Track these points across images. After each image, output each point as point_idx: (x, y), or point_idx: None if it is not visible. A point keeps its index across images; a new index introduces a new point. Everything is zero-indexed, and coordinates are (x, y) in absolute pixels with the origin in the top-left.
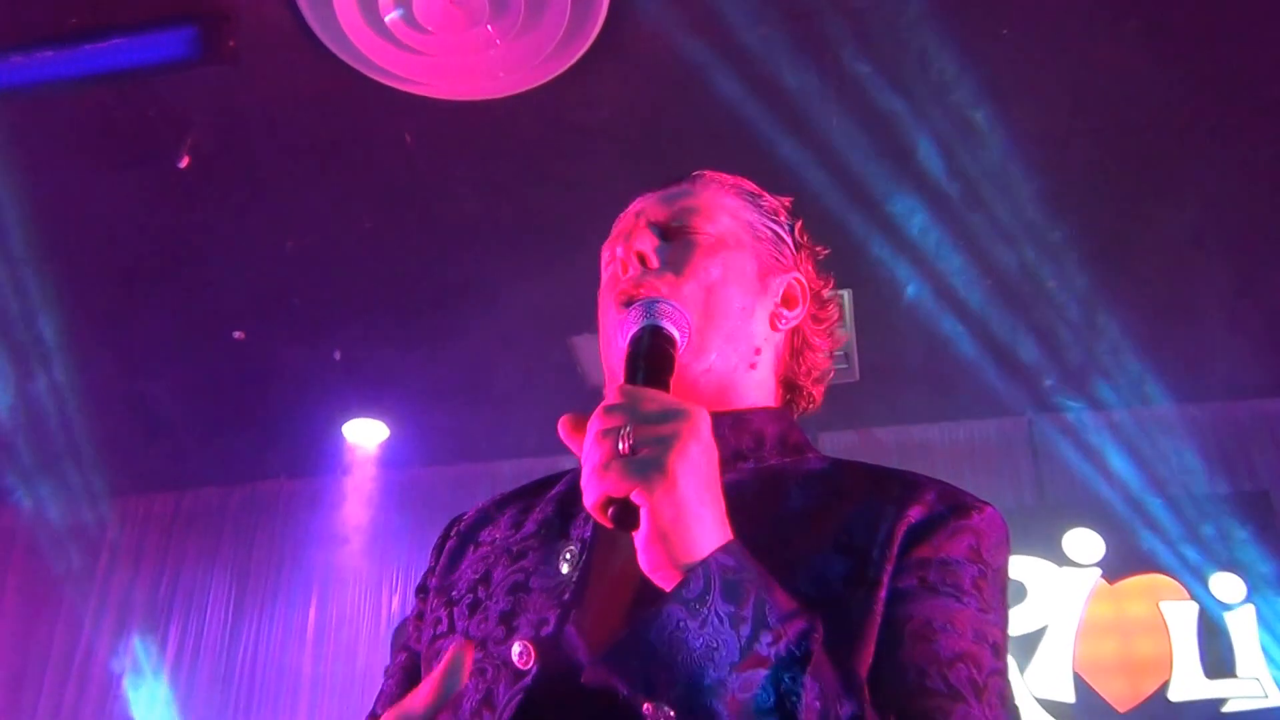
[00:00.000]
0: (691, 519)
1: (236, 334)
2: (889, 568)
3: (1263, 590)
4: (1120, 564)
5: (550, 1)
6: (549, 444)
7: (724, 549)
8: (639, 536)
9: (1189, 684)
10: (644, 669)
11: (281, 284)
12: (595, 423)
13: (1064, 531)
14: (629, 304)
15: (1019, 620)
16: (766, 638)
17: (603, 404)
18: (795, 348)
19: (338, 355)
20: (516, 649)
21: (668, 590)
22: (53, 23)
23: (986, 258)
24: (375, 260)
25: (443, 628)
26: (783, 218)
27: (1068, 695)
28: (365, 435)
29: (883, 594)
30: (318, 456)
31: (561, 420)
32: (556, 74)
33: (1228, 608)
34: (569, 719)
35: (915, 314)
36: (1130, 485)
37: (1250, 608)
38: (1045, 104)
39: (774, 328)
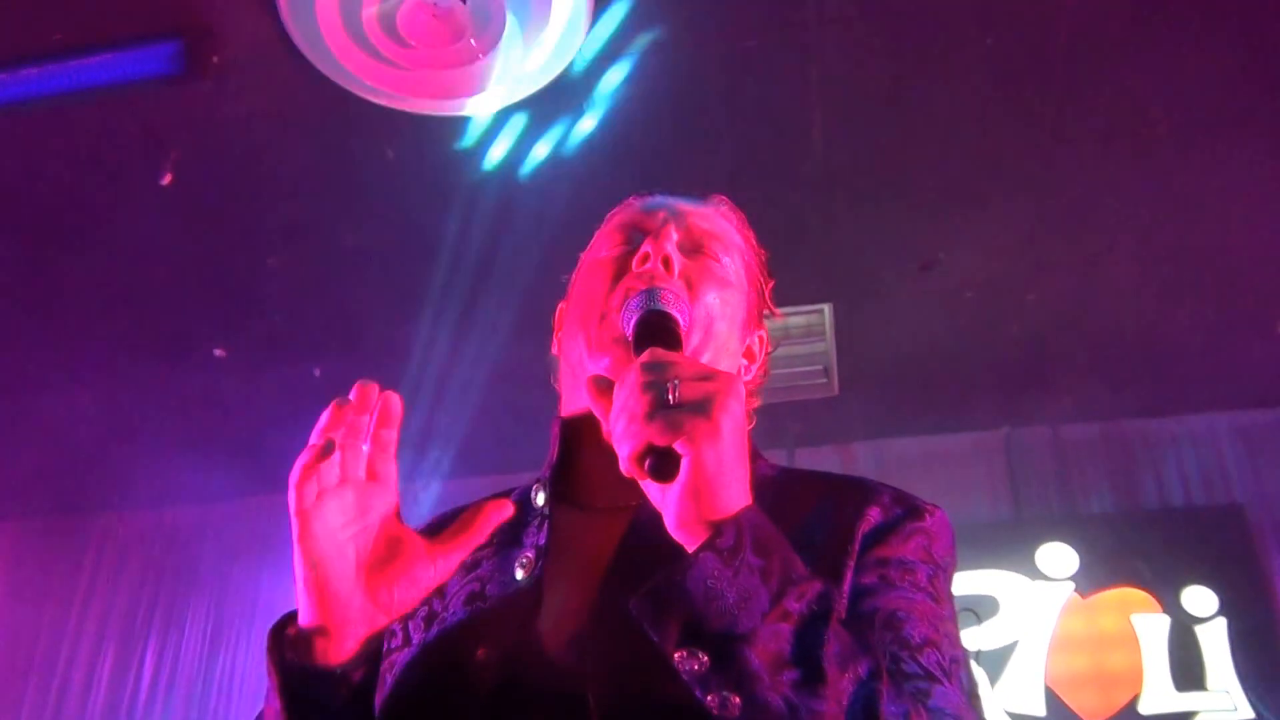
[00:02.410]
0: (728, 474)
1: (217, 351)
2: (850, 564)
3: (1234, 603)
4: (1093, 578)
5: (534, 14)
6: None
7: (750, 508)
8: (672, 489)
9: (1159, 697)
10: (680, 615)
11: (263, 300)
12: (636, 375)
13: (1037, 545)
14: (637, 294)
15: (991, 634)
16: (794, 592)
17: (641, 361)
18: None
19: (318, 372)
20: (479, 658)
21: (691, 548)
22: (34, 38)
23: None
24: (358, 276)
25: (397, 641)
26: (765, 270)
27: (1039, 709)
28: None
29: (845, 589)
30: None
31: (588, 379)
32: (541, 87)
33: (1199, 621)
34: (529, 715)
35: (893, 329)
36: (1104, 499)
37: (1222, 621)
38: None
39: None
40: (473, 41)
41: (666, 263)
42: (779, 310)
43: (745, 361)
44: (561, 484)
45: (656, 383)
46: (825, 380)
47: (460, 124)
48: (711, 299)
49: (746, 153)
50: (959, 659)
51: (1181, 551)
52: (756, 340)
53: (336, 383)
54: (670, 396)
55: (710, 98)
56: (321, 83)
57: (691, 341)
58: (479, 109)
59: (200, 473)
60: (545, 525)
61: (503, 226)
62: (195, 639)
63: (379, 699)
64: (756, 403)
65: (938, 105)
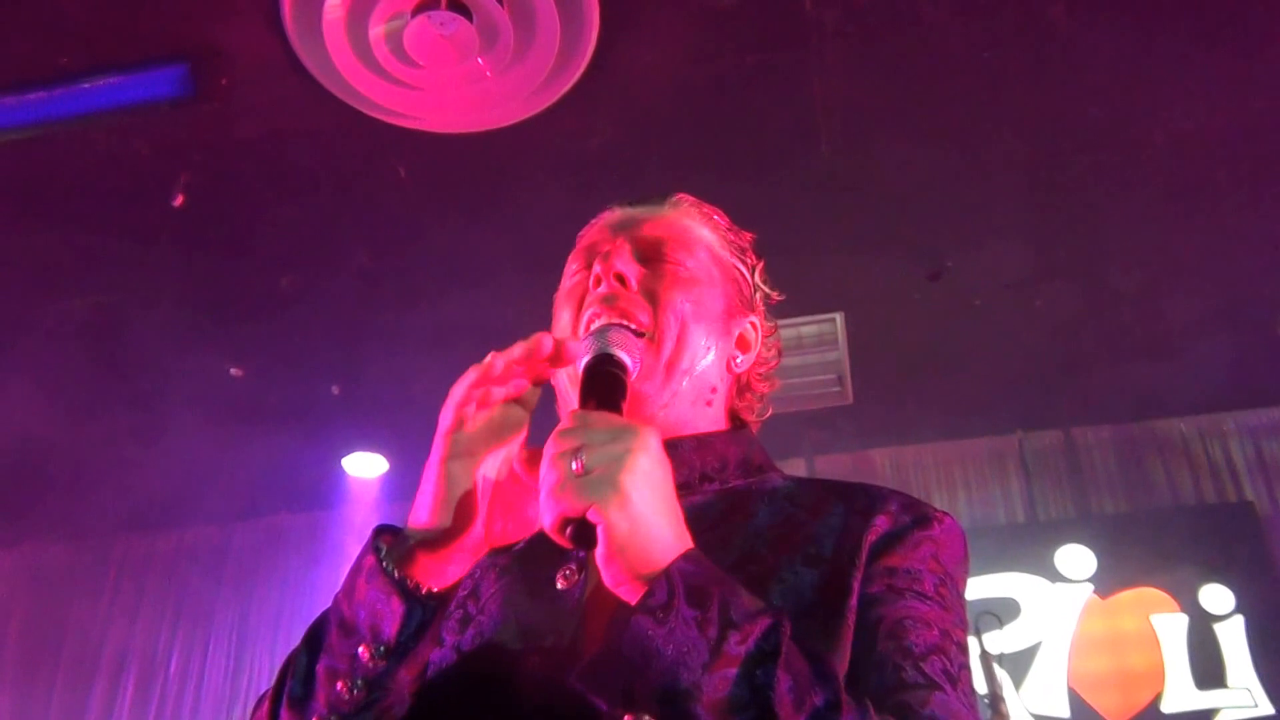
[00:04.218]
0: (648, 531)
1: (234, 370)
2: (858, 575)
3: (1251, 600)
4: (1112, 579)
5: (540, 34)
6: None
7: (684, 556)
8: (599, 554)
9: (1181, 695)
10: (620, 682)
11: (277, 320)
12: (550, 448)
13: (1056, 548)
14: (599, 321)
15: (1013, 636)
16: (734, 637)
17: (556, 429)
18: (741, 387)
19: (336, 390)
20: (529, 668)
21: (633, 603)
22: (44, 62)
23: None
24: (370, 294)
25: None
26: (749, 257)
27: (1063, 710)
28: (365, 468)
29: (854, 601)
30: (318, 491)
31: (517, 456)
32: (547, 105)
33: (1217, 619)
34: None
35: (905, 337)
36: (1118, 499)
37: (1239, 618)
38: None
39: (729, 370)
40: (480, 60)
41: (622, 279)
42: (791, 317)
43: (738, 352)
44: None
45: (566, 454)
46: (839, 388)
47: (471, 140)
48: (677, 303)
49: (755, 165)
50: (966, 665)
51: (1197, 549)
52: (749, 327)
53: (351, 400)
54: (575, 466)
55: (718, 111)
56: (331, 103)
57: (665, 350)
58: (486, 127)
59: (223, 492)
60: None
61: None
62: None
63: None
64: (765, 389)
65: (940, 118)
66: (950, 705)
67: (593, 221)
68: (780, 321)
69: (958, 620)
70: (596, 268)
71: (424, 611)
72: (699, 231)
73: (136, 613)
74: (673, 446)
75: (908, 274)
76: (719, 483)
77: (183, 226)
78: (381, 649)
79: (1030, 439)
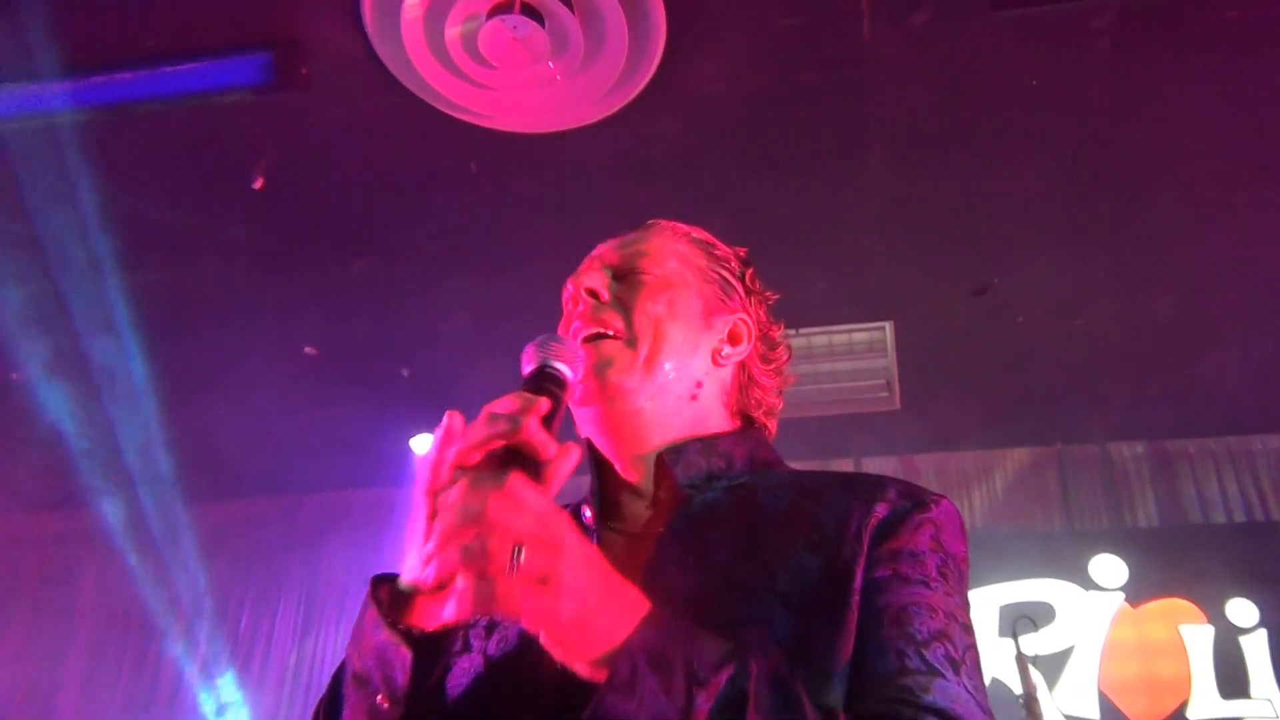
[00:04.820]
0: (589, 622)
1: (308, 349)
2: (861, 560)
3: (1275, 616)
4: (1143, 588)
5: (609, 42)
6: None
7: (641, 625)
8: (546, 642)
9: (1206, 703)
10: None
11: (351, 303)
12: (449, 528)
13: (1090, 556)
14: (577, 334)
15: (1048, 640)
16: (703, 694)
17: (455, 502)
18: (742, 383)
19: (406, 373)
20: (546, 666)
21: (600, 681)
22: (133, 44)
23: (1017, 296)
24: (439, 283)
25: (457, 645)
26: (733, 264)
27: (1093, 712)
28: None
29: (857, 585)
30: (385, 468)
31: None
32: (614, 111)
33: (1242, 632)
34: None
35: (951, 348)
36: (1153, 514)
37: (1263, 632)
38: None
39: (716, 363)
40: (551, 64)
41: (595, 294)
42: (844, 324)
43: (730, 346)
44: (603, 504)
45: (474, 550)
46: (887, 394)
47: (539, 140)
48: (651, 306)
49: (811, 176)
50: (972, 645)
51: (1224, 565)
52: (739, 323)
53: (423, 384)
54: (491, 565)
55: (776, 123)
56: (405, 97)
57: (642, 348)
58: (555, 128)
59: (293, 466)
60: (595, 541)
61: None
62: (288, 623)
63: (441, 699)
64: (777, 385)
65: (988, 139)
66: (951, 690)
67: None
68: (833, 328)
69: (961, 602)
70: (570, 288)
71: (431, 652)
72: (671, 245)
73: (208, 578)
74: (678, 450)
75: (955, 288)
76: (727, 480)
77: (262, 209)
78: (397, 694)
79: (1069, 451)
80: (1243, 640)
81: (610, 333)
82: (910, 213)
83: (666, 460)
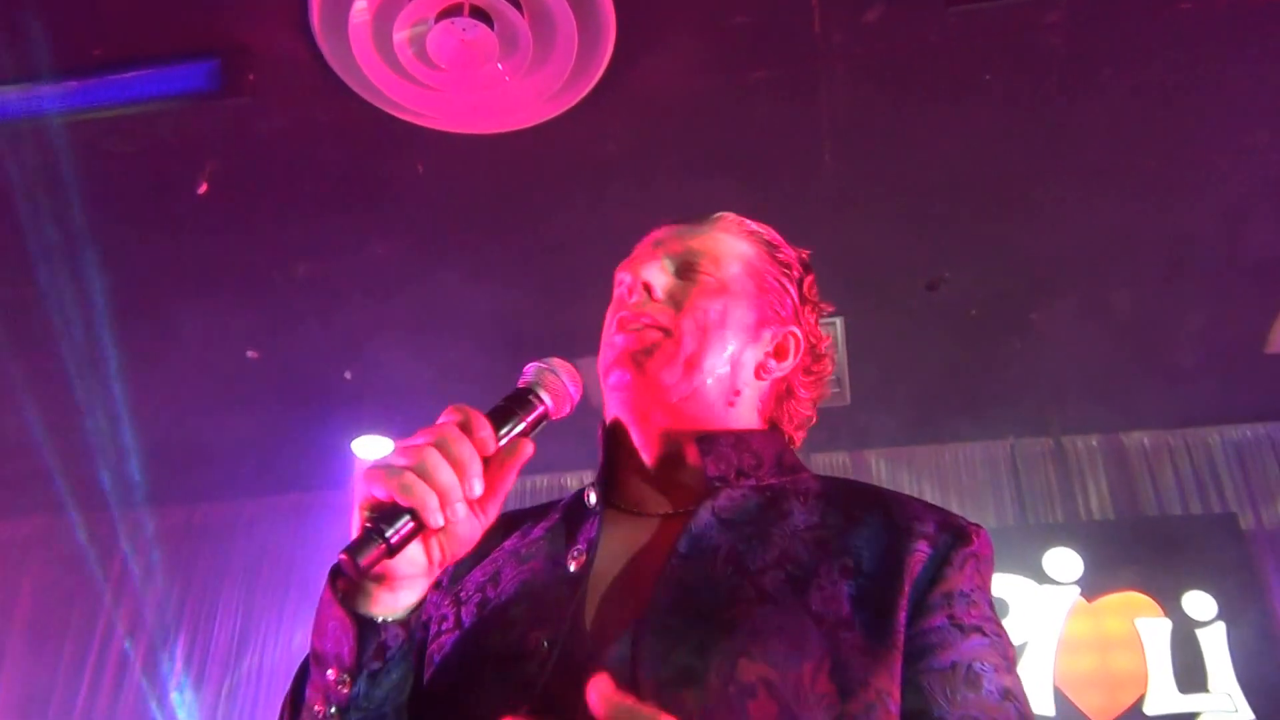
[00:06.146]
0: None
1: (250, 353)
2: (903, 599)
3: (1232, 609)
4: (1098, 582)
5: (558, 42)
6: (556, 461)
7: None
8: None
9: (1163, 698)
10: None
11: (294, 306)
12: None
13: (1044, 551)
14: (624, 328)
15: None
16: None
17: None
18: (780, 394)
19: (348, 375)
20: (536, 640)
21: None
22: (78, 52)
23: (969, 289)
24: (384, 285)
25: (449, 624)
26: (795, 271)
27: (1048, 709)
28: (374, 451)
29: (901, 623)
30: (328, 471)
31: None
32: (563, 111)
33: (1200, 625)
34: (580, 703)
35: (903, 343)
36: (1108, 506)
37: (1221, 625)
38: None
39: (758, 376)
40: (500, 65)
41: (649, 289)
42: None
43: (775, 360)
44: (610, 488)
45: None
46: (838, 390)
47: (488, 142)
48: (700, 311)
49: (762, 173)
50: (1025, 695)
51: (1180, 558)
52: (788, 337)
53: (363, 387)
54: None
55: (727, 121)
56: (354, 101)
57: (685, 348)
58: (504, 129)
59: (234, 471)
60: (596, 522)
61: (524, 236)
62: (224, 635)
63: (427, 677)
64: (814, 397)
65: (940, 135)
66: None
67: (644, 238)
68: None
69: (1009, 642)
70: (628, 277)
71: (382, 634)
72: (736, 246)
73: (146, 585)
74: (710, 440)
75: (906, 282)
76: (755, 478)
77: (206, 215)
78: (345, 674)
79: (1022, 445)
80: (1200, 634)
81: (650, 327)
82: (861, 208)
83: (699, 449)
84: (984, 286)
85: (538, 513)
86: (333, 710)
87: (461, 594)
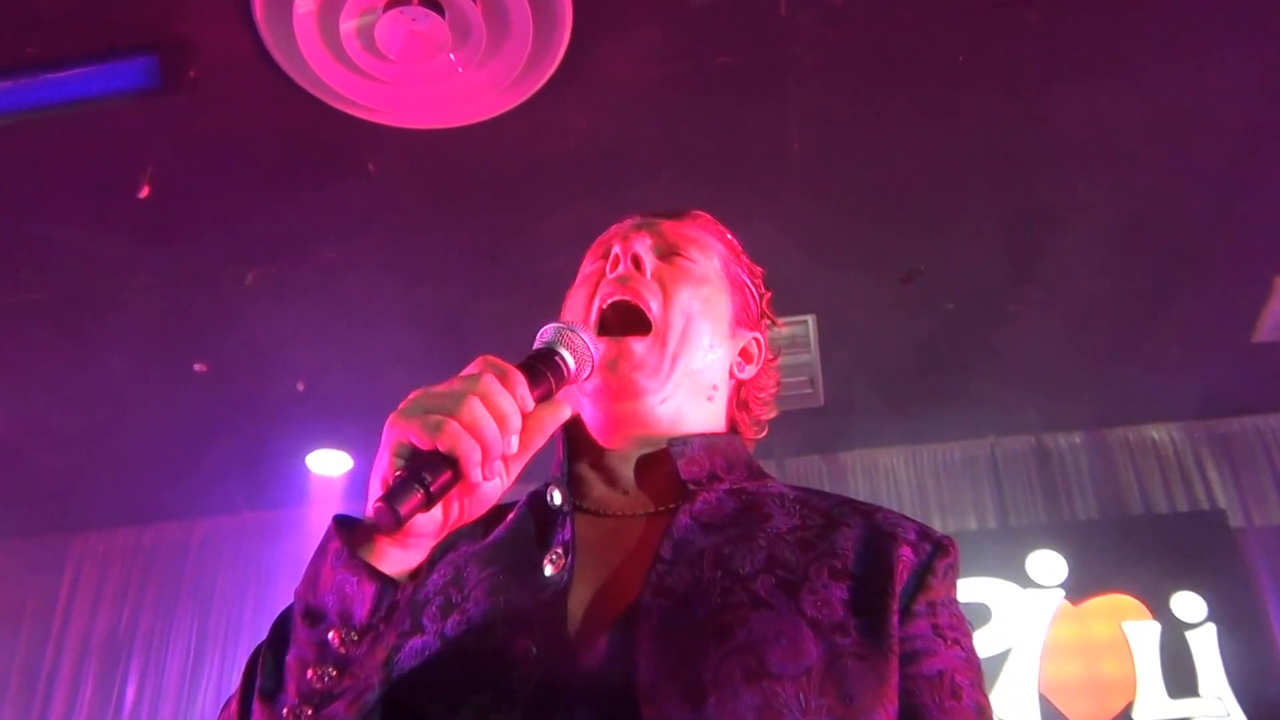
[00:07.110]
0: None
1: (197, 366)
2: (894, 602)
3: (1223, 609)
4: (1083, 584)
5: (513, 30)
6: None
7: None
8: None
9: (1153, 704)
10: None
11: (242, 315)
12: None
13: (1027, 553)
14: (608, 299)
15: (984, 642)
16: None
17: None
18: (740, 401)
19: (300, 386)
20: (523, 646)
21: None
22: (10, 52)
23: (945, 283)
24: (337, 290)
25: (405, 625)
26: (758, 281)
27: (1034, 717)
28: (329, 466)
29: (895, 626)
30: (281, 487)
31: None
32: (519, 103)
33: (1189, 627)
34: (572, 711)
35: (877, 340)
36: (1092, 506)
37: (1211, 626)
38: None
39: (730, 374)
40: (451, 56)
41: (636, 262)
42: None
43: (741, 360)
44: (570, 487)
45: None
46: (811, 390)
47: (439, 137)
48: (685, 298)
49: (727, 163)
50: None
51: (1168, 557)
52: (753, 342)
53: (316, 397)
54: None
55: (691, 109)
56: (300, 96)
57: (669, 344)
58: (457, 123)
59: (184, 489)
60: (569, 523)
61: (479, 234)
62: (178, 657)
63: (393, 683)
64: (763, 413)
65: (913, 121)
66: None
67: (612, 227)
68: None
69: (978, 658)
70: (616, 248)
71: (395, 593)
72: (715, 242)
73: (96, 608)
74: (682, 443)
75: (880, 276)
76: (728, 482)
77: (148, 219)
78: (353, 633)
79: (1002, 444)
80: (1190, 636)
81: (641, 308)
82: (832, 198)
83: (671, 451)
84: (961, 279)
85: (486, 518)
86: (328, 674)
87: (419, 597)
